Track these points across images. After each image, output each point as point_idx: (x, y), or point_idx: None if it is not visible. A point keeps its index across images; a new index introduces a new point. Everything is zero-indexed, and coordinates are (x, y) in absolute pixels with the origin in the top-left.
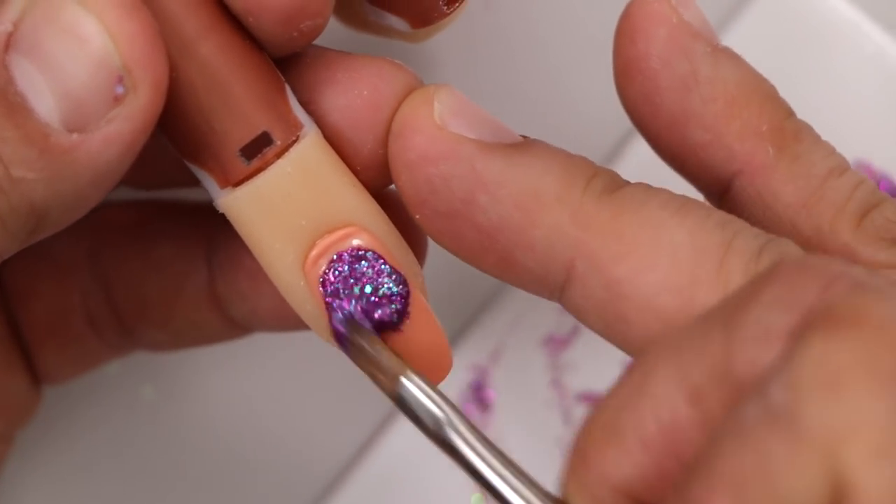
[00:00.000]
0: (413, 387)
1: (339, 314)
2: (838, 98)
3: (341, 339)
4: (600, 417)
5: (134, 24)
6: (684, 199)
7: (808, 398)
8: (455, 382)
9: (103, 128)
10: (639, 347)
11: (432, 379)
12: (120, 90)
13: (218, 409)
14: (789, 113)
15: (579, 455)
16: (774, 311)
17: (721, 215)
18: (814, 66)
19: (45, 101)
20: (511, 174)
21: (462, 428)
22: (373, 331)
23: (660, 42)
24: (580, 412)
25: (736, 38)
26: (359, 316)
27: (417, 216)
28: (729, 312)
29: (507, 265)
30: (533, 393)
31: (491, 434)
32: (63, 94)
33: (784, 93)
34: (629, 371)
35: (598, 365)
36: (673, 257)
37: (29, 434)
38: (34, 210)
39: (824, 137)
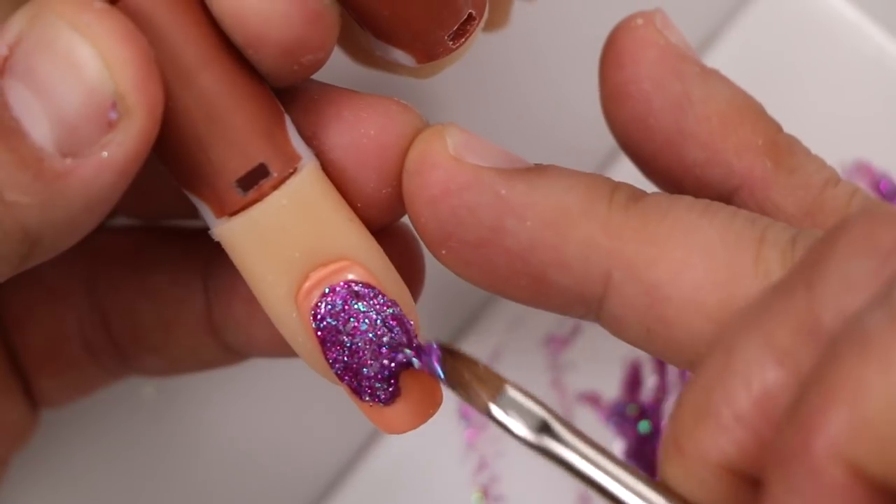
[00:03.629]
0: (514, 398)
1: (432, 347)
2: (838, 98)
3: (431, 366)
4: (689, 401)
5: (128, 50)
6: (708, 202)
7: None
8: None
9: (97, 153)
10: (683, 350)
11: (425, 413)
12: (114, 116)
13: (219, 409)
14: (779, 128)
15: (673, 442)
16: (856, 258)
17: (747, 213)
18: (814, 66)
19: (39, 126)
20: (536, 195)
21: (567, 435)
22: (465, 352)
23: (650, 65)
24: (580, 412)
25: (736, 38)
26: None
27: (443, 251)
28: (807, 268)
29: (541, 287)
30: (533, 393)
31: (491, 434)
32: (57, 119)
33: (784, 92)
34: (710, 352)
35: (598, 365)
36: (708, 255)
37: None
38: (27, 235)
39: (824, 138)
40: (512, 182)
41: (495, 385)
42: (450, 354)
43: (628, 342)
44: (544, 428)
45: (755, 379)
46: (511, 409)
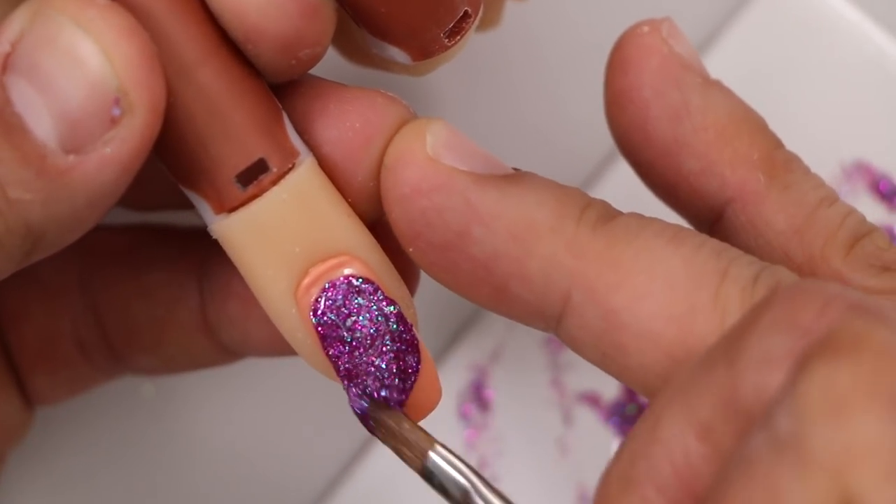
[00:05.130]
0: (441, 460)
1: (361, 394)
2: (838, 98)
3: (365, 420)
4: (615, 469)
5: (131, 46)
6: (678, 228)
7: (813, 424)
8: (455, 382)
9: (100, 149)
10: (637, 378)
11: (424, 409)
12: (116, 112)
13: (217, 409)
14: (779, 144)
15: None
16: (774, 335)
17: (715, 244)
18: (814, 67)
19: (42, 122)
20: (505, 205)
21: (492, 498)
22: (397, 407)
23: (651, 72)
24: (580, 412)
25: (736, 38)
26: (376, 391)
27: (411, 249)
28: (729, 344)
29: (503, 297)
30: (533, 393)
31: (491, 434)
32: (60, 115)
33: (784, 92)
34: (639, 421)
35: None
36: (669, 285)
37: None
38: (31, 231)
39: (824, 137)
40: (484, 189)
41: (425, 444)
42: (382, 409)
43: (587, 360)
44: (472, 489)
45: (677, 452)
46: (438, 470)
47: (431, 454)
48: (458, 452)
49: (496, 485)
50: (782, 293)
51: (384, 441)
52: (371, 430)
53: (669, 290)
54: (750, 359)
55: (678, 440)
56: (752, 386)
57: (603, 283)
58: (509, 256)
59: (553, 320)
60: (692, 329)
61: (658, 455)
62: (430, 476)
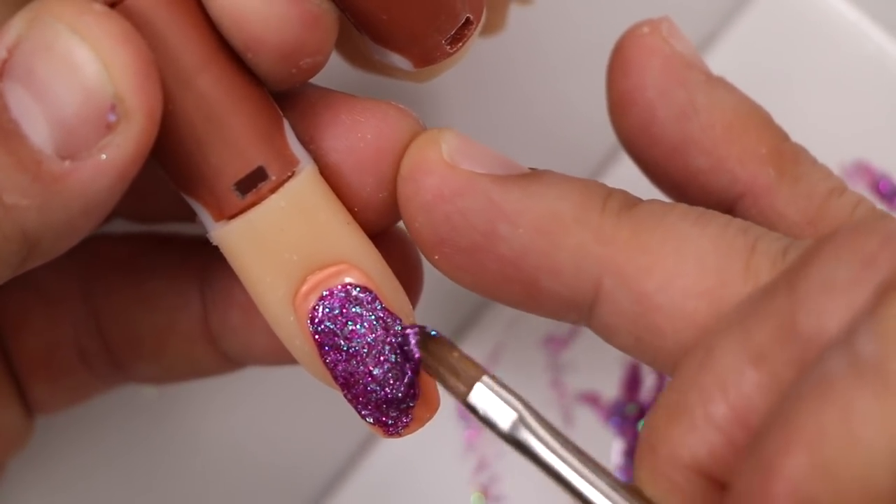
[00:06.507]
0: (489, 391)
1: (413, 330)
2: (838, 98)
3: (410, 350)
4: (664, 401)
5: (127, 52)
6: (702, 210)
7: None
8: None
9: (95, 156)
10: (672, 359)
11: (421, 419)
12: (112, 118)
13: (218, 411)
14: (785, 136)
15: (646, 441)
16: (836, 264)
17: (740, 222)
18: (814, 66)
19: (38, 128)
20: (529, 201)
21: (540, 429)
22: (447, 337)
23: (655, 73)
24: (580, 412)
25: (736, 38)
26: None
27: (436, 256)
28: (790, 274)
29: (533, 292)
30: (533, 393)
31: (491, 434)
32: (56, 122)
33: (784, 93)
34: (688, 353)
35: (598, 365)
36: (699, 264)
37: None
38: (26, 237)
39: (824, 137)
40: (506, 188)
41: (473, 374)
42: (429, 339)
43: (619, 349)
44: (519, 421)
45: (730, 380)
46: (487, 400)
47: (478, 385)
48: (458, 453)
49: (496, 487)
50: (843, 229)
51: (429, 369)
52: (418, 361)
53: (700, 268)
54: (811, 286)
55: (731, 367)
56: (814, 312)
57: (634, 268)
58: (538, 251)
59: (585, 310)
60: (726, 303)
61: (709, 383)
62: (475, 406)
